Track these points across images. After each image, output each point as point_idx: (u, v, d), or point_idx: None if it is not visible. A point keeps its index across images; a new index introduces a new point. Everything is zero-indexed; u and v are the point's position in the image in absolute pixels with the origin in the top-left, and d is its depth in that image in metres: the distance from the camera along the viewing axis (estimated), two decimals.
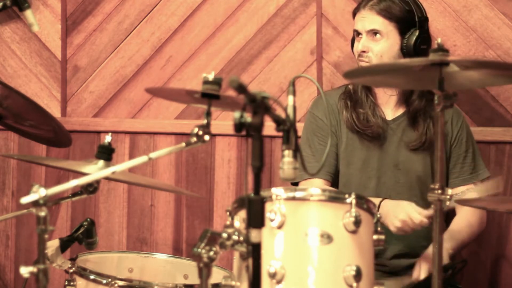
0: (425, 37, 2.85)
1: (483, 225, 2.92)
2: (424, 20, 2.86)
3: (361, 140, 2.88)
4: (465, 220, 2.85)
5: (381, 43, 2.82)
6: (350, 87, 2.92)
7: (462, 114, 2.95)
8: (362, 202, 2.16)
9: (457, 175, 2.89)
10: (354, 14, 2.90)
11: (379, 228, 2.19)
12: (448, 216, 2.85)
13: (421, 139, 2.85)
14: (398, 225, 2.61)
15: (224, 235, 1.92)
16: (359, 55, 2.84)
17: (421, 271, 2.67)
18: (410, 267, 2.85)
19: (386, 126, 2.88)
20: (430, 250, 2.69)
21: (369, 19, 2.83)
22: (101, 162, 2.37)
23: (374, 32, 2.82)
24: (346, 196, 2.14)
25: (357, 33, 2.87)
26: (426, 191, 2.81)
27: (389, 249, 2.83)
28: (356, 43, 2.88)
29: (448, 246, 2.68)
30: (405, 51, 2.82)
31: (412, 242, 2.84)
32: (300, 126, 2.74)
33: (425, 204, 2.81)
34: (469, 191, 2.73)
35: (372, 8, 2.83)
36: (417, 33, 2.82)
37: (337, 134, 2.90)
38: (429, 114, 2.85)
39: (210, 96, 2.07)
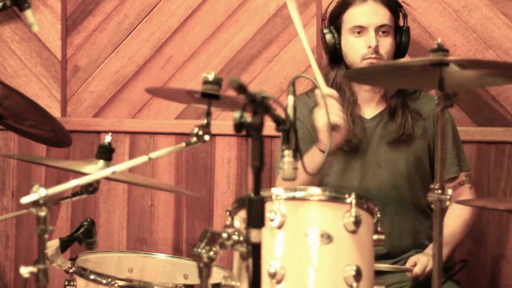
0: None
1: (475, 216, 2.86)
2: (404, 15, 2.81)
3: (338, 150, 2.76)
4: (459, 219, 2.79)
5: (388, 40, 2.73)
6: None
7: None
8: (362, 202, 2.16)
9: (446, 168, 2.79)
10: (347, 6, 2.75)
11: (379, 228, 2.19)
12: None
13: (398, 132, 2.75)
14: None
15: (224, 235, 1.92)
16: (372, 53, 2.69)
17: (418, 264, 2.65)
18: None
19: (363, 126, 2.78)
20: (430, 250, 2.68)
21: (379, 13, 2.71)
22: (101, 162, 2.37)
23: (382, 29, 2.71)
24: (346, 196, 2.13)
25: (359, 29, 2.73)
26: (411, 189, 2.80)
27: None
28: (359, 40, 2.72)
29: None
30: (401, 51, 2.76)
31: (396, 242, 2.79)
32: None
33: (413, 204, 2.80)
34: None
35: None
36: (408, 29, 2.77)
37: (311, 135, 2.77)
38: (408, 108, 2.78)
39: (210, 96, 2.07)
